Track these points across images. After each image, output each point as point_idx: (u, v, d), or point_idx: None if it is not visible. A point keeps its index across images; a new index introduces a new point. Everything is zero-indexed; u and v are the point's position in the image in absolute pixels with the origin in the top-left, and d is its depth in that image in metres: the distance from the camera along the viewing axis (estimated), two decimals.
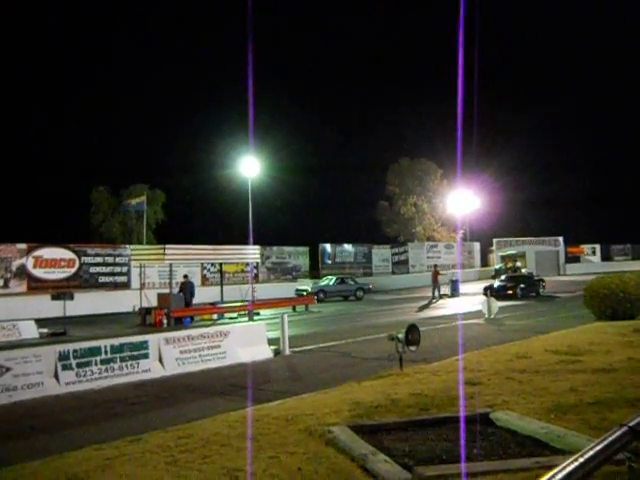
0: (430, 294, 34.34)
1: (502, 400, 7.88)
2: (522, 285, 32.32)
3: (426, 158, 60.62)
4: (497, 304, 21.53)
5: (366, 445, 6.10)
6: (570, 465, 2.55)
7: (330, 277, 37.09)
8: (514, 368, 10.24)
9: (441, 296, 33.48)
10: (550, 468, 4.94)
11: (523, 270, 45.86)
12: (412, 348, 10.90)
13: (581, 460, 2.61)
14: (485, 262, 60.93)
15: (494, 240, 59.70)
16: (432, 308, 28.38)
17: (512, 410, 7.28)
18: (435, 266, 37.42)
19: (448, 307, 28.40)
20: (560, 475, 2.47)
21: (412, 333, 10.86)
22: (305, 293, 32.50)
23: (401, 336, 10.79)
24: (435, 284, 34.09)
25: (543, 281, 34.74)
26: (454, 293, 34.91)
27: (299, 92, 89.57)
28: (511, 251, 57.65)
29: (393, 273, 50.43)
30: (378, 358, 13.49)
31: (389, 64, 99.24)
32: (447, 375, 10.03)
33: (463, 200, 56.10)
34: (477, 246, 60.43)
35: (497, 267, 53.06)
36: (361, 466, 5.56)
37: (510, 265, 50.75)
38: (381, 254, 50.38)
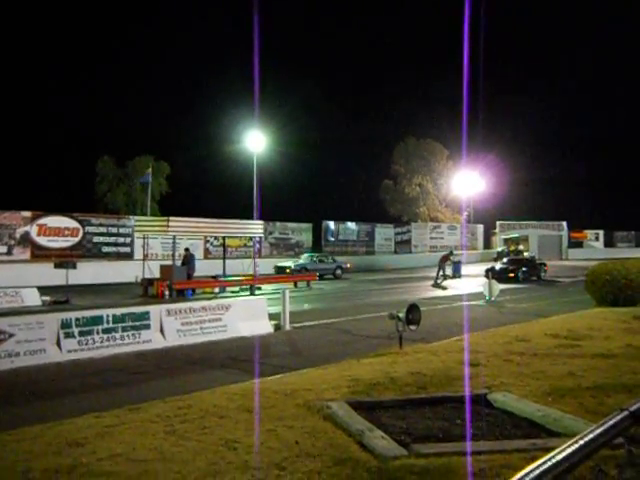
0: (435, 274, 34.20)
1: (500, 382, 7.92)
2: (524, 268, 32.32)
3: (432, 139, 60.41)
4: (498, 286, 21.55)
5: (363, 421, 6.15)
6: (569, 447, 2.56)
7: (310, 254, 37.07)
8: (513, 351, 10.27)
9: (445, 276, 33.40)
10: (546, 450, 4.99)
11: (525, 253, 45.85)
12: (412, 327, 10.95)
13: (581, 442, 2.62)
14: (488, 244, 60.91)
15: (497, 223, 59.65)
16: (433, 289, 28.43)
17: (510, 392, 7.32)
18: (450, 252, 36.10)
19: (449, 288, 28.45)
20: (559, 457, 2.48)
21: (413, 312, 10.91)
22: (288, 270, 32.48)
23: (402, 315, 10.83)
24: (441, 265, 33.91)
25: (545, 265, 34.71)
26: (456, 274, 34.95)
27: (306, 68, 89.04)
28: (514, 234, 57.63)
29: (395, 252, 50.46)
30: (378, 336, 13.55)
31: (397, 43, 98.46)
32: (446, 355, 10.07)
33: (468, 182, 55.97)
34: (480, 228, 60.38)
35: (500, 250, 53.06)
36: (358, 442, 5.61)
37: (513, 248, 50.79)
38: (384, 233, 50.35)
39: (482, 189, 58.34)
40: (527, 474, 2.35)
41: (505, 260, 35.36)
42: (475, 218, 60.47)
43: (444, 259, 33.93)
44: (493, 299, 20.99)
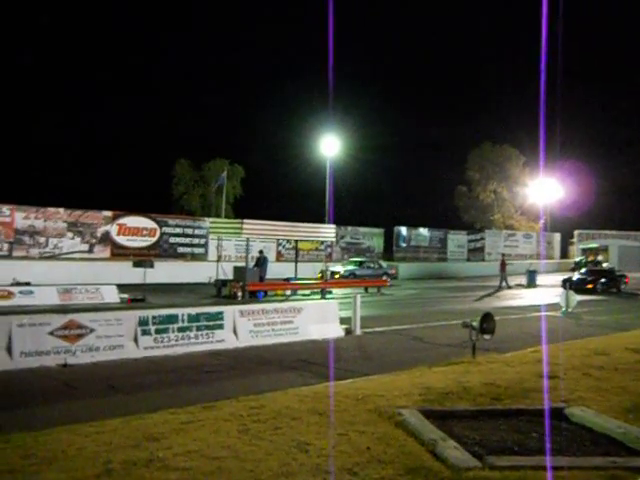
0: (497, 283, 33.74)
1: (578, 396, 7.69)
2: (602, 280, 31.18)
3: (508, 144, 59.15)
4: (576, 297, 20.89)
5: (436, 430, 6.09)
6: None
7: (357, 260, 36.26)
8: (592, 364, 9.95)
9: (509, 287, 32.96)
10: (627, 470, 4.81)
11: (604, 264, 44.26)
12: (486, 337, 10.77)
13: None
14: (565, 254, 59.14)
15: (575, 232, 57.83)
16: (507, 298, 27.82)
17: (588, 407, 7.10)
18: (503, 255, 37.59)
19: (524, 298, 27.78)
20: None
21: (487, 321, 10.72)
22: (337, 275, 32.02)
23: (476, 324, 10.67)
24: (503, 274, 33.65)
25: (625, 277, 33.41)
26: (531, 284, 34.10)
27: (380, 73, 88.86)
28: (593, 244, 55.71)
29: (468, 260, 49.67)
30: (450, 345, 13.38)
31: (471, 47, 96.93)
32: (521, 367, 9.84)
33: (545, 189, 54.51)
34: (557, 237, 58.72)
35: (577, 260, 51.37)
36: (430, 451, 5.55)
37: (591, 258, 49.07)
38: (457, 240, 49.65)
39: (560, 197, 56.70)
40: None
41: (583, 271, 34.24)
42: (552, 226, 58.86)
43: (502, 266, 34.00)
44: (570, 310, 20.36)
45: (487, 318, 10.77)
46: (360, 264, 34.78)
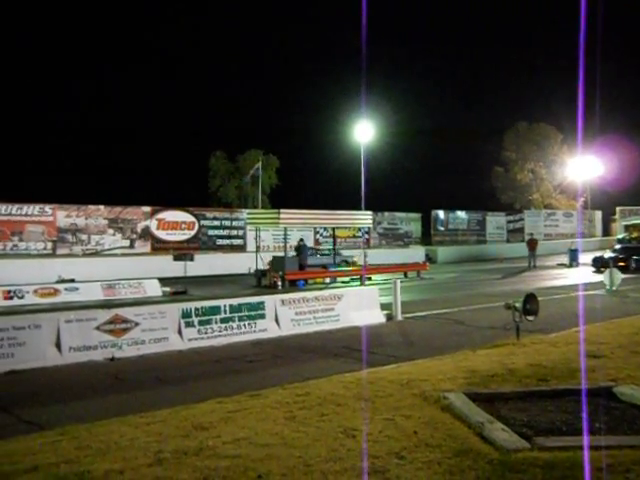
0: (534, 263, 33.84)
1: (626, 374, 7.57)
2: (635, 257, 30.11)
3: (545, 122, 58.06)
4: (620, 276, 20.48)
5: (483, 413, 6.06)
6: None
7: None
8: None
9: (534, 266, 33.20)
10: None
11: None
12: (530, 318, 10.65)
13: None
14: (607, 231, 57.94)
15: (617, 209, 56.56)
16: (549, 278, 27.44)
17: (637, 385, 6.98)
18: (531, 234, 38.22)
19: (567, 277, 27.36)
20: None
21: (530, 302, 10.60)
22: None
23: (519, 305, 10.56)
24: (532, 252, 33.91)
25: None
26: (573, 263, 33.54)
27: (414, 56, 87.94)
28: (636, 220, 54.45)
29: (508, 241, 49.06)
30: (493, 327, 13.27)
31: (504, 26, 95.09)
32: (567, 347, 9.72)
33: (584, 166, 53.39)
34: (599, 215, 57.55)
35: (620, 237, 50.29)
36: (478, 433, 5.54)
37: (635, 235, 47.99)
38: (496, 222, 49.06)
39: (600, 173, 55.45)
40: None
41: (616, 247, 33.15)
42: (593, 204, 57.63)
43: (532, 245, 34.28)
44: (614, 288, 19.99)
45: (530, 299, 10.65)
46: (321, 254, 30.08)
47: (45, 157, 51.85)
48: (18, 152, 51.17)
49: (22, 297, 19.40)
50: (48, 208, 29.13)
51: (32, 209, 28.65)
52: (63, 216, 29.49)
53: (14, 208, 28.20)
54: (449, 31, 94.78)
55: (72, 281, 21.71)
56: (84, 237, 30.17)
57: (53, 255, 28.59)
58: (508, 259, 41.19)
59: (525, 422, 5.96)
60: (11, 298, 19.20)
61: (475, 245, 46.08)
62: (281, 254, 26.00)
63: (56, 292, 20.18)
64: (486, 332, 12.88)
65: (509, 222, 50.09)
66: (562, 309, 15.98)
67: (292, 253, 26.37)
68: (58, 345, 10.85)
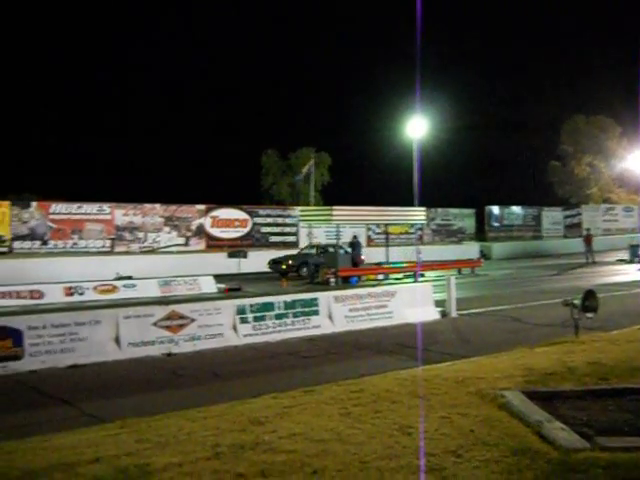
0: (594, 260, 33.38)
1: None
2: None
3: (603, 115, 56.50)
4: None
5: (541, 411, 5.94)
6: None
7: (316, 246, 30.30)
8: None
9: (594, 262, 32.74)
10: None
11: None
12: (589, 315, 10.40)
13: None
14: None
15: None
16: (609, 274, 26.71)
17: None
18: (587, 230, 37.26)
19: (628, 273, 26.59)
20: None
21: (589, 299, 10.35)
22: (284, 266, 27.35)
23: (577, 302, 10.33)
24: (589, 247, 33.60)
25: None
26: (634, 259, 32.58)
27: (467, 51, 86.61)
28: None
29: (565, 237, 47.97)
30: (550, 324, 13.01)
31: (559, 18, 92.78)
32: (628, 345, 9.45)
33: None
34: None
35: None
36: (536, 432, 5.43)
37: None
38: (552, 217, 48.01)
39: None
40: None
41: None
42: None
43: (588, 240, 33.90)
44: None
45: (589, 295, 10.40)
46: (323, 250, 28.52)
47: (102, 157, 53.23)
48: (76, 153, 52.71)
49: (82, 294, 19.96)
50: (106, 207, 29.89)
51: (91, 208, 29.44)
52: (121, 215, 30.20)
53: (74, 207, 29.01)
54: (501, 26, 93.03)
55: (129, 278, 22.20)
56: (141, 235, 30.84)
57: (111, 253, 29.30)
58: (565, 255, 40.33)
59: (585, 421, 5.82)
60: (72, 295, 19.78)
61: (531, 241, 45.23)
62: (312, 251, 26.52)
63: (114, 289, 20.69)
64: (543, 329, 12.64)
65: (566, 217, 48.97)
66: (623, 306, 15.56)
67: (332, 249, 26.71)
68: (117, 340, 11.13)
